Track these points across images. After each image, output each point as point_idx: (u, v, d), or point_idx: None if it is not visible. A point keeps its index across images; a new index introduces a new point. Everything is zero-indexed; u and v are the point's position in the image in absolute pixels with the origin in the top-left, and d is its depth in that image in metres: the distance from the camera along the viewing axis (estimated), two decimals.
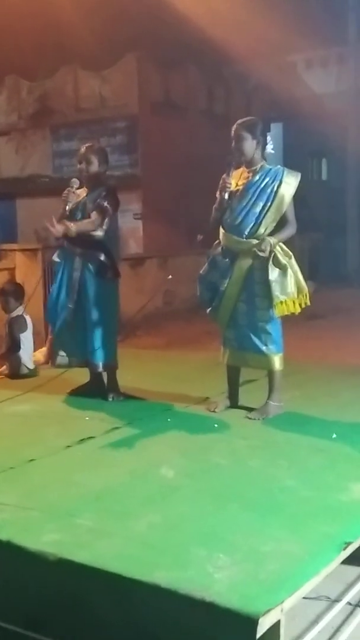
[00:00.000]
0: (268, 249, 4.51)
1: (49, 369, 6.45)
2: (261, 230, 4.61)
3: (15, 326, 6.28)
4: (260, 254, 4.50)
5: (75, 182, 5.17)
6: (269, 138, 4.81)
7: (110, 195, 5.14)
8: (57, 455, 4.00)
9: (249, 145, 4.62)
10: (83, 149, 5.23)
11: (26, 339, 6.34)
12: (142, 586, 2.48)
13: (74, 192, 5.14)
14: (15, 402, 5.20)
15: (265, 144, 4.74)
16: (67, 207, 5.11)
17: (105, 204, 5.07)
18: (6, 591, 2.81)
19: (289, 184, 4.61)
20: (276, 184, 4.59)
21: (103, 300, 5.18)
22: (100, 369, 5.29)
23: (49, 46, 15.73)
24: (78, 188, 5.18)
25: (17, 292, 6.53)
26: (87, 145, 5.30)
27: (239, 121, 4.69)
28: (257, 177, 4.63)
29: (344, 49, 18.19)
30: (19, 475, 3.68)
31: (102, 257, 5.13)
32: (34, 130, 15.85)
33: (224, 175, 4.71)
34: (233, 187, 4.66)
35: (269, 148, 4.73)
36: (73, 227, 5.01)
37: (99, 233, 5.07)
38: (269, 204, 4.59)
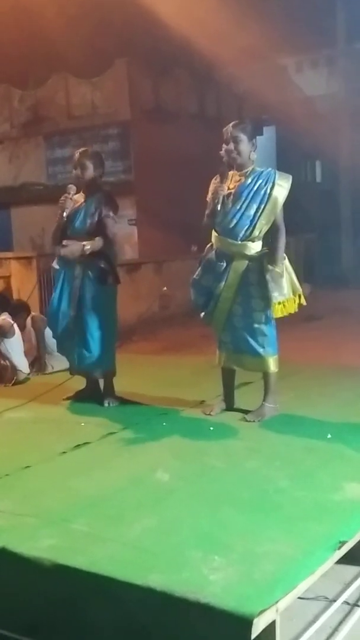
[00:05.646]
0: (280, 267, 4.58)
1: (44, 376, 6.47)
2: (255, 232, 4.62)
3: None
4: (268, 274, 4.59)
5: (72, 188, 5.14)
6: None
7: (110, 202, 5.15)
8: (53, 461, 4.01)
9: (245, 146, 4.62)
10: (77, 155, 5.20)
11: (15, 344, 6.31)
12: (137, 589, 2.49)
13: (70, 199, 5.11)
14: (10, 408, 5.19)
15: (256, 147, 4.75)
16: (65, 214, 5.09)
17: (111, 214, 5.10)
18: (2, 597, 2.81)
19: (282, 187, 4.61)
20: (269, 186, 4.59)
21: (103, 307, 5.17)
22: (100, 376, 5.29)
23: (38, 55, 15.74)
24: (75, 194, 5.16)
25: None
26: (81, 150, 5.28)
27: (234, 122, 4.69)
28: (249, 180, 4.63)
29: (333, 51, 18.23)
30: (15, 482, 3.69)
31: (102, 264, 5.13)
32: (27, 139, 15.86)
33: (214, 181, 4.72)
34: (225, 191, 4.65)
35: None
36: (88, 247, 5.03)
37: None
38: (262, 206, 4.58)
